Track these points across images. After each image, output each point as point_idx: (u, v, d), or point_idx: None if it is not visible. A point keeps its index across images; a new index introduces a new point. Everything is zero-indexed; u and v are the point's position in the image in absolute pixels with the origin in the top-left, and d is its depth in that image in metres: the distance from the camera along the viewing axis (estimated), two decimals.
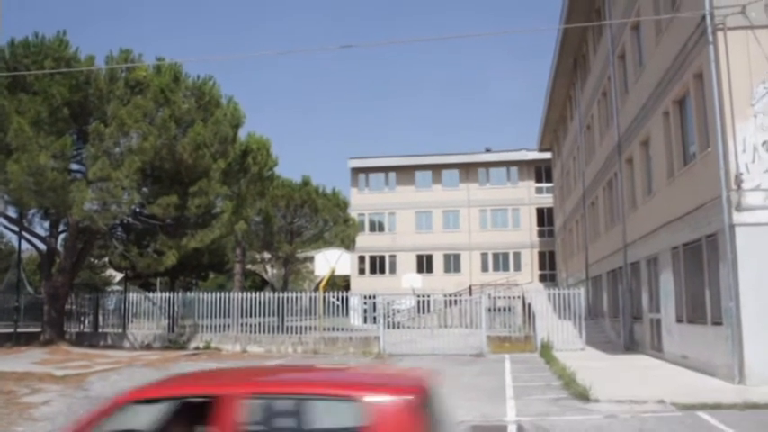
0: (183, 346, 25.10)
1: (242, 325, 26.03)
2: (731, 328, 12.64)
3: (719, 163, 12.95)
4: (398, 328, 28.46)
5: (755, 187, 12.65)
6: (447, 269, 53.29)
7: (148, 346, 25.60)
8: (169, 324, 26.99)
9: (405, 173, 55.33)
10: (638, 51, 20.15)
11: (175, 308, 27.15)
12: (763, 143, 12.75)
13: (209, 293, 26.62)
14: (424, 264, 53.51)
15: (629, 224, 21.84)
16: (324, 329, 26.82)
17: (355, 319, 38.95)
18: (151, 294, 28.60)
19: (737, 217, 12.63)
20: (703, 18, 13.63)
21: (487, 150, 55.67)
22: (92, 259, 37.82)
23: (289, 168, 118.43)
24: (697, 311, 14.99)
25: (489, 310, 25.01)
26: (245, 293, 26.63)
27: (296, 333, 25.63)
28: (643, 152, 20.01)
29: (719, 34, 13.24)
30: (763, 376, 12.09)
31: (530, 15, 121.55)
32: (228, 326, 26.07)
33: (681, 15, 15.12)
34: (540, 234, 52.96)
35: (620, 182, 23.12)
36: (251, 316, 25.79)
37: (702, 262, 14.50)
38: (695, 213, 14.68)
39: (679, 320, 16.34)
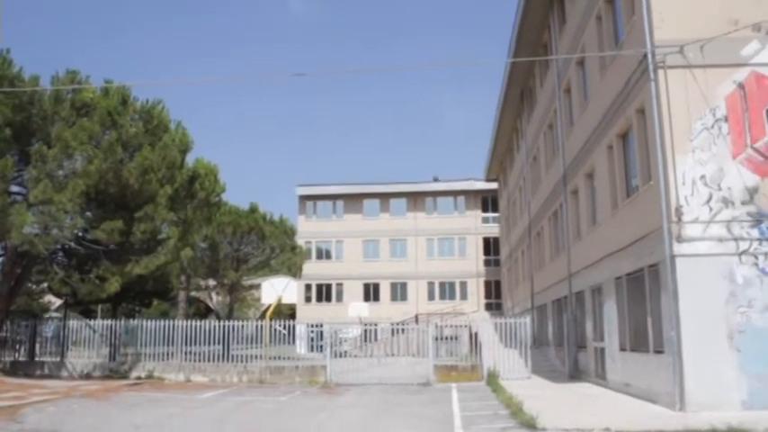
0: (124, 376, 24.47)
1: (186, 354, 25.53)
2: (672, 356, 12.96)
3: (661, 195, 13.37)
4: (345, 356, 28.34)
5: (694, 219, 13.07)
6: (394, 298, 53.39)
7: (88, 376, 24.87)
8: (110, 352, 26.26)
9: (353, 201, 55.50)
10: (584, 86, 20.71)
11: (117, 336, 26.50)
12: (701, 177, 13.21)
13: (153, 321, 26.00)
14: (371, 292, 53.51)
15: (573, 254, 22.26)
16: (270, 358, 26.50)
17: (302, 347, 38.68)
18: (92, 322, 27.78)
19: (678, 248, 13.02)
20: (645, 56, 14.12)
21: (435, 180, 56.26)
22: (30, 285, 36.73)
23: (236, 195, 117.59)
24: (640, 340, 15.32)
25: (436, 338, 25.07)
26: (189, 321, 26.14)
27: (241, 362, 25.23)
28: (588, 184, 20.49)
29: (660, 72, 13.74)
30: (703, 403, 12.39)
31: (480, 46, 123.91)
32: (172, 354, 25.53)
33: (624, 53, 15.65)
34: (487, 263, 53.53)
35: (565, 212, 23.60)
36: (195, 344, 25.32)
37: (645, 291, 14.86)
38: (638, 244, 15.07)
39: (622, 349, 16.67)
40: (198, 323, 25.65)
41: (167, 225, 25.41)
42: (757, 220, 13.07)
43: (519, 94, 33.94)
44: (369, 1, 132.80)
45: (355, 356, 28.97)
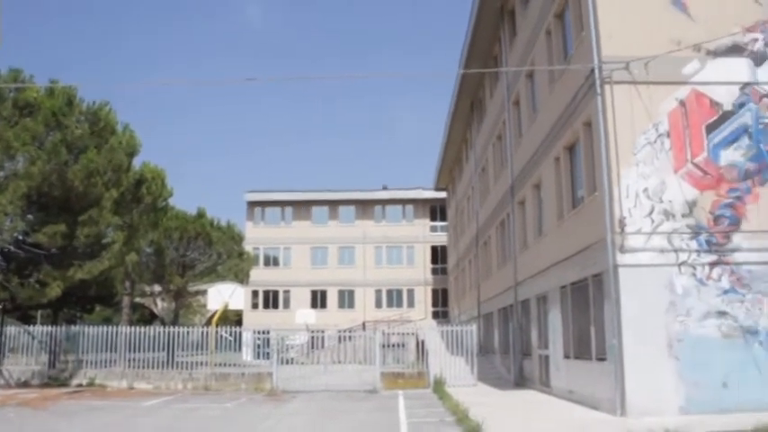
0: (64, 383, 23.89)
1: (129, 360, 25.07)
2: (614, 363, 13.29)
3: (605, 207, 13.72)
4: (292, 363, 28.20)
5: (637, 231, 13.45)
6: (341, 305, 53.38)
7: (26, 384, 24.16)
8: (50, 359, 25.56)
9: (301, 208, 55.37)
10: (532, 98, 21.09)
11: (57, 342, 25.84)
12: (644, 190, 13.61)
13: (95, 327, 25.46)
14: (319, 299, 53.40)
15: (520, 263, 22.62)
16: (215, 365, 26.25)
17: (248, 354, 38.34)
18: (31, 328, 27.06)
19: (621, 258, 13.37)
20: (592, 71, 14.48)
21: (384, 188, 56.49)
22: None
23: (184, 200, 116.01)
24: (583, 348, 15.66)
25: (383, 346, 25.17)
26: (133, 327, 25.69)
27: (186, 369, 24.91)
28: (535, 194, 20.86)
29: (607, 87, 14.11)
30: (643, 408, 12.72)
31: (431, 56, 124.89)
32: (115, 361, 25.05)
33: (572, 67, 16.02)
34: (434, 272, 53.91)
35: (512, 222, 23.96)
36: (139, 351, 24.89)
37: (588, 300, 15.21)
38: (582, 254, 15.42)
39: (566, 356, 17.00)
40: (142, 329, 25.25)
41: (112, 229, 24.99)
42: (696, 232, 13.51)
43: (469, 104, 34.37)
44: (325, 10, 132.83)
45: (302, 363, 28.86)
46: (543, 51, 19.14)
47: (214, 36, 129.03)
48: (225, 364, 27.01)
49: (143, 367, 24.62)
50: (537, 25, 19.71)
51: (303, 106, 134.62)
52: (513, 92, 23.66)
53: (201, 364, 26.31)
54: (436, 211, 54.88)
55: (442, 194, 51.11)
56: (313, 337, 33.97)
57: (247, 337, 39.14)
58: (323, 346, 34.01)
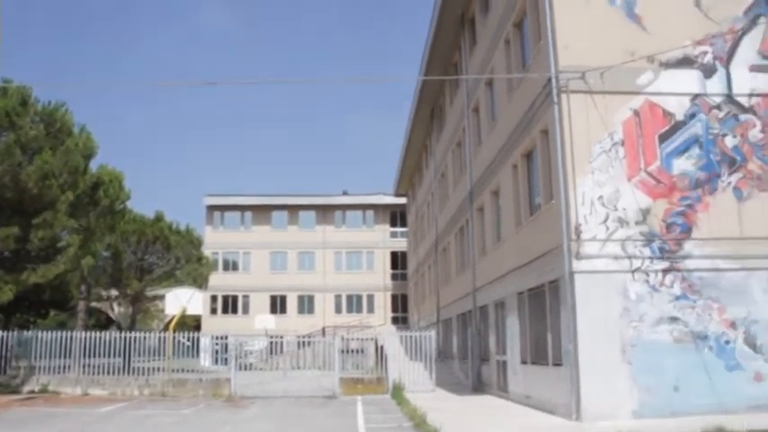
0: (15, 390, 23.33)
1: (84, 366, 24.66)
2: (570, 368, 13.49)
3: (561, 214, 13.94)
4: (251, 369, 28.00)
5: (592, 238, 13.69)
6: (301, 310, 53.24)
7: None
8: (1, 366, 25.06)
9: (261, 212, 55.10)
10: (492, 106, 21.32)
11: (9, 348, 25.24)
12: (599, 197, 13.86)
13: (49, 332, 24.88)
14: (278, 304, 53.17)
15: (478, 269, 22.82)
16: (173, 371, 25.94)
17: (206, 360, 38.04)
18: None
19: (577, 265, 13.59)
20: (549, 80, 14.71)
21: (345, 193, 56.54)
22: None
23: (142, 203, 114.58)
24: (540, 353, 15.86)
25: (342, 351, 25.18)
26: (88, 333, 25.25)
27: (143, 375, 24.59)
28: (493, 201, 21.08)
29: (563, 96, 14.33)
30: (598, 413, 12.93)
31: (393, 62, 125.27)
32: (69, 367, 24.61)
33: (530, 76, 16.25)
34: (394, 277, 54.05)
35: (471, 229, 24.17)
36: (95, 356, 24.47)
37: (545, 306, 15.41)
38: (539, 260, 15.62)
39: (523, 362, 17.20)
40: (98, 334, 24.82)
41: (68, 232, 24.65)
42: (649, 239, 13.80)
43: (429, 111, 34.59)
44: (285, 12, 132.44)
45: (261, 369, 28.69)
46: (502, 60, 19.36)
47: (173, 37, 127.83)
48: (182, 370, 26.72)
49: (98, 373, 24.25)
50: (496, 34, 19.94)
51: (263, 109, 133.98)
52: (472, 99, 23.88)
53: (159, 369, 25.98)
54: (396, 216, 55.07)
55: (403, 200, 51.30)
56: (272, 343, 33.81)
57: (206, 342, 38.86)
58: (282, 352, 33.89)
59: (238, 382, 22.80)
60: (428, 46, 27.89)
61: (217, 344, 40.19)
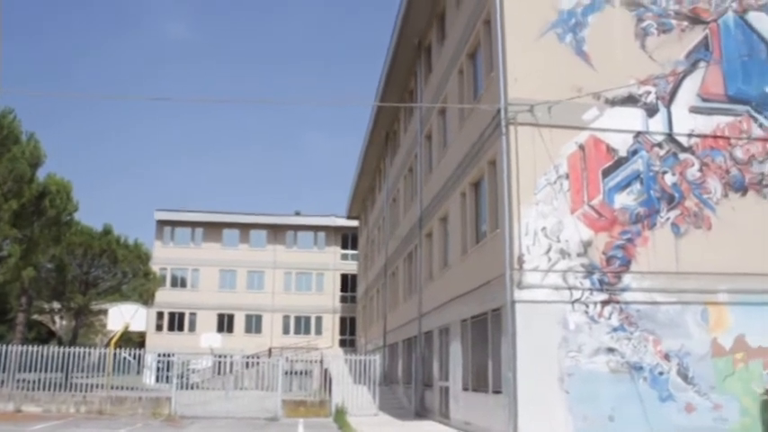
0: None
1: (18, 381, 23.98)
2: (509, 396, 13.65)
3: (506, 244, 14.15)
4: (194, 388, 27.65)
5: (534, 268, 13.94)
6: (248, 330, 52.74)
7: None
8: None
9: (212, 229, 54.65)
10: (444, 133, 21.61)
11: None
12: (543, 229, 14.13)
13: None
14: (225, 323, 52.65)
15: (425, 295, 22.97)
16: (112, 388, 25.42)
17: (149, 378, 37.31)
18: None
19: (518, 294, 13.80)
20: (498, 111, 15.00)
21: (297, 214, 56.49)
22: None
23: (90, 215, 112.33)
24: (481, 381, 16.02)
25: (287, 373, 25.06)
26: (25, 346, 24.55)
27: (81, 391, 24.02)
28: (442, 228, 21.31)
29: (512, 128, 14.61)
30: None
31: (350, 83, 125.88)
32: (3, 382, 23.91)
33: (480, 106, 16.55)
34: (343, 299, 53.97)
35: (419, 254, 24.35)
36: (32, 371, 23.83)
37: (487, 334, 15.59)
38: (483, 288, 15.83)
39: (465, 389, 17.33)
40: (35, 348, 24.15)
41: (9, 242, 24.12)
42: (589, 271, 14.11)
43: (384, 135, 34.83)
44: (248, 30, 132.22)
45: (204, 389, 28.33)
46: (455, 89, 19.69)
47: (131, 48, 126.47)
48: (123, 388, 26.19)
49: (34, 389, 23.59)
50: (451, 63, 20.29)
51: (217, 126, 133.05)
52: (426, 126, 24.17)
53: (98, 386, 25.42)
54: (348, 239, 55.11)
55: (355, 223, 51.39)
56: (217, 362, 33.40)
57: (149, 359, 38.10)
58: (227, 372, 33.51)
59: (180, 401, 22.50)
60: (385, 71, 28.17)
61: (160, 361, 39.51)
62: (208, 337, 44.26)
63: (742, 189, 15.17)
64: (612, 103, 15.03)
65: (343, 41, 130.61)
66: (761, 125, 15.60)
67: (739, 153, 15.36)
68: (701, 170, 15.07)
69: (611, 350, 13.82)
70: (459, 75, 19.38)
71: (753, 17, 16.27)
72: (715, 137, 15.32)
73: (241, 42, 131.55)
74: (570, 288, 13.99)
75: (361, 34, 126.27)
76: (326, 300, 53.79)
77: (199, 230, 54.88)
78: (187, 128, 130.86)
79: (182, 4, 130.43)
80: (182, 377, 23.97)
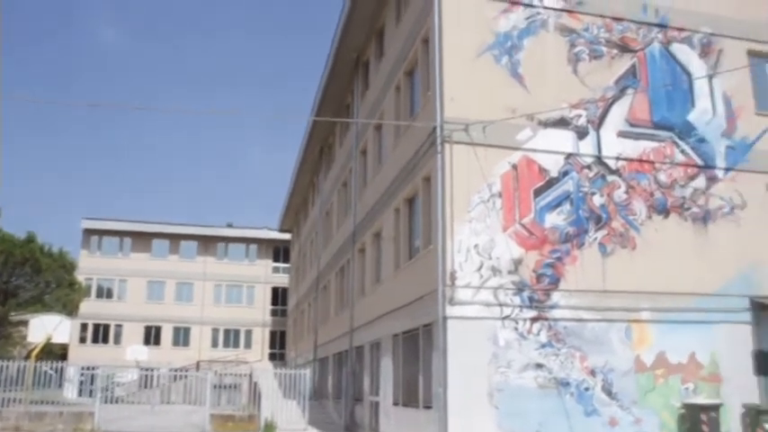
0: None
1: None
2: (439, 411, 13.77)
3: (438, 260, 14.32)
4: (118, 403, 26.96)
5: (466, 284, 14.15)
6: (176, 342, 51.83)
7: None
8: None
9: (141, 239, 53.61)
10: (379, 149, 21.75)
11: None
12: (475, 246, 14.37)
13: None
14: (152, 335, 51.61)
15: (357, 310, 23.00)
16: (32, 403, 24.53)
17: (71, 392, 36.27)
18: None
19: (450, 310, 13.97)
20: (434, 129, 15.20)
21: (229, 225, 55.84)
22: None
23: (14, 223, 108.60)
24: (411, 396, 16.11)
25: (216, 387, 24.68)
26: None
27: None
28: (375, 243, 21.41)
29: (447, 146, 14.82)
30: None
31: (288, 98, 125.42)
32: None
33: (416, 124, 16.75)
34: (274, 313, 53.58)
35: (352, 269, 24.38)
36: None
37: (419, 349, 15.71)
38: (415, 304, 15.95)
39: (395, 404, 17.40)
40: None
41: None
42: (520, 288, 14.40)
43: (319, 149, 34.84)
44: (178, 44, 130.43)
45: (129, 403, 27.67)
46: (392, 105, 19.87)
47: (61, 51, 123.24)
48: (44, 402, 25.31)
49: None
50: (388, 80, 20.47)
51: (147, 135, 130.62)
52: (361, 141, 24.30)
53: (16, 401, 24.50)
54: (280, 252, 54.84)
55: (287, 236, 51.11)
56: (143, 376, 32.71)
57: (72, 373, 37.07)
58: (153, 385, 32.81)
59: (103, 416, 21.86)
60: (322, 85, 28.23)
61: (84, 374, 38.44)
62: (134, 350, 43.23)
63: (665, 211, 15.81)
64: (545, 124, 15.44)
65: (283, 58, 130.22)
66: (683, 151, 16.33)
67: (663, 177, 16.01)
68: (627, 192, 15.61)
69: (539, 366, 14.11)
70: (397, 92, 19.57)
71: (676, 48, 17.10)
72: (641, 161, 15.95)
73: (178, 54, 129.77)
74: (501, 305, 14.23)
75: (301, 52, 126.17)
76: (257, 313, 53.28)
77: (127, 240, 53.74)
78: (118, 136, 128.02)
79: (122, 17, 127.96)
80: (106, 391, 23.33)
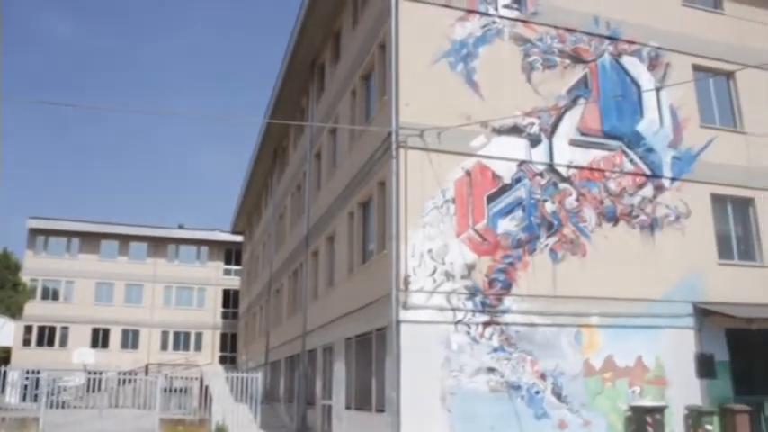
0: None
1: None
2: (392, 415, 13.85)
3: (392, 264, 14.40)
4: (65, 407, 26.42)
5: (419, 289, 14.27)
6: (125, 345, 50.97)
7: None
8: None
9: (90, 240, 52.61)
10: (334, 153, 21.78)
11: None
12: (429, 251, 14.50)
13: None
14: (100, 338, 50.62)
15: (310, 313, 22.98)
16: None
17: (14, 396, 35.30)
18: None
19: (403, 314, 14.06)
20: (389, 135, 15.30)
21: (181, 227, 55.18)
22: None
23: None
24: (364, 399, 16.17)
25: (166, 390, 24.36)
26: None
27: None
28: (328, 246, 21.42)
29: (402, 151, 14.93)
30: None
31: (243, 95, 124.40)
32: None
33: (371, 128, 16.84)
34: (225, 316, 53.11)
35: (305, 272, 24.35)
36: None
37: (372, 353, 15.78)
38: (368, 308, 16.02)
39: (348, 407, 17.43)
40: None
41: None
42: (472, 293, 14.58)
43: (273, 152, 34.71)
44: (131, 43, 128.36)
45: (76, 407, 27.12)
46: (347, 109, 19.92)
47: (13, 42, 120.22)
48: None
49: None
50: (344, 84, 20.52)
51: (98, 135, 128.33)
52: (316, 144, 24.29)
53: None
54: (231, 254, 54.40)
55: (239, 238, 50.76)
56: (90, 379, 32.07)
57: (14, 376, 36.06)
58: (101, 389, 32.21)
59: (48, 421, 21.45)
60: (276, 88, 28.13)
61: (27, 378, 37.48)
62: (81, 353, 42.49)
63: (614, 219, 16.20)
64: (499, 132, 15.68)
65: (242, 47, 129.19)
66: (631, 160, 16.77)
67: (612, 185, 16.41)
68: (578, 200, 15.96)
69: (491, 370, 14.31)
70: (352, 96, 19.63)
71: (626, 61, 17.59)
72: (591, 169, 16.32)
73: (129, 43, 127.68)
74: (454, 309, 14.39)
75: (257, 52, 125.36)
76: (207, 315, 52.75)
77: (75, 240, 52.69)
78: (65, 133, 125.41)
79: (71, 10, 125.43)
80: (51, 395, 22.85)
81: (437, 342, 14.10)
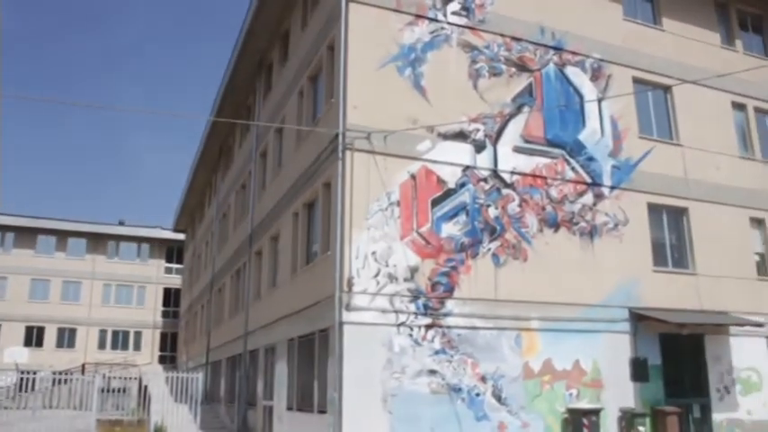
0: None
1: None
2: (334, 416, 13.88)
3: (336, 265, 14.43)
4: None
5: (363, 290, 14.33)
6: (60, 344, 49.73)
7: None
8: None
9: (25, 235, 51.17)
10: (280, 153, 21.70)
11: None
12: (373, 253, 14.58)
13: None
14: (34, 336, 49.27)
15: (252, 313, 22.83)
16: None
17: None
18: None
19: (346, 316, 14.11)
20: (336, 136, 15.33)
21: (121, 223, 54.15)
22: None
23: None
24: (306, 400, 16.16)
25: (103, 390, 23.91)
26: None
27: None
28: (272, 246, 21.33)
29: (348, 153, 14.98)
30: None
31: (186, 94, 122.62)
32: None
33: (318, 129, 16.85)
34: (165, 314, 52.31)
35: (248, 272, 24.19)
36: None
37: (314, 354, 15.78)
38: (312, 309, 16.02)
39: (290, 408, 17.38)
40: None
41: None
42: (415, 296, 14.72)
43: (218, 149, 34.37)
44: (78, 33, 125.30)
45: (7, 408, 26.37)
46: (294, 110, 19.87)
47: None
48: None
49: None
50: (291, 84, 20.46)
51: (37, 126, 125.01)
52: (261, 144, 24.16)
53: None
54: (173, 252, 53.63)
55: (181, 236, 50.09)
56: (22, 379, 31.23)
57: None
58: (34, 389, 31.39)
59: None
60: (223, 85, 27.87)
61: None
62: (13, 352, 41.32)
63: (555, 225, 16.55)
64: (445, 136, 15.86)
65: (188, 44, 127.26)
66: (573, 168, 17.17)
67: (554, 192, 16.77)
68: (520, 206, 16.25)
69: (432, 372, 14.45)
70: (300, 96, 19.60)
71: (570, 71, 18.02)
72: (534, 176, 16.65)
73: (73, 45, 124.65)
74: (396, 311, 14.49)
75: (204, 51, 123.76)
76: (147, 314, 51.86)
77: (9, 235, 51.18)
78: (8, 129, 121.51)
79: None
80: None
81: (379, 344, 14.18)
